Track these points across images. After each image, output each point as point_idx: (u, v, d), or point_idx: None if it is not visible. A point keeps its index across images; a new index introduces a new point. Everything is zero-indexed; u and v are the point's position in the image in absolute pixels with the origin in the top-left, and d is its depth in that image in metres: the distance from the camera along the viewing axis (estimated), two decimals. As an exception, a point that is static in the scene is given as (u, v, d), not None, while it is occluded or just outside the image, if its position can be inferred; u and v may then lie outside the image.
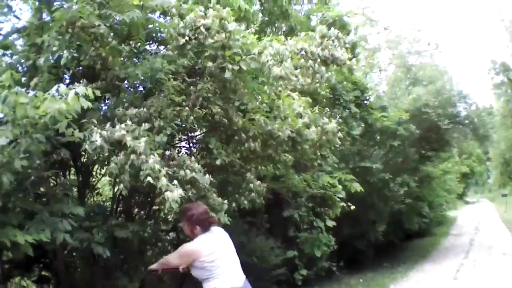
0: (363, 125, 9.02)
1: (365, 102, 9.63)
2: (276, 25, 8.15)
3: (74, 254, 4.37)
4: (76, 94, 3.20)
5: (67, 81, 4.84)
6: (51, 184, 4.43)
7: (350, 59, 5.90)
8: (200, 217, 2.91)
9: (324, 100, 8.93)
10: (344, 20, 8.76)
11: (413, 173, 11.72)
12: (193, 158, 4.11)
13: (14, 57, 4.67)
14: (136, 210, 5.21)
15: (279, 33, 7.88)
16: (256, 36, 4.75)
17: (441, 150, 13.16)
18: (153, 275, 3.05)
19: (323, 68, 4.36)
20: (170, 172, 3.53)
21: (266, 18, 7.98)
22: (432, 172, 13.62)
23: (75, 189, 4.88)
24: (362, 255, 11.43)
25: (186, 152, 5.16)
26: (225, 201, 4.07)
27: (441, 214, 18.95)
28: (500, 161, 29.80)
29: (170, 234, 6.07)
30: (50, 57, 4.20)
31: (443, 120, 10.16)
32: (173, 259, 3.02)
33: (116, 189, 5.04)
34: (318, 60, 4.38)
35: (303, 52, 4.45)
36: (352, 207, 6.84)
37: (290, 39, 4.48)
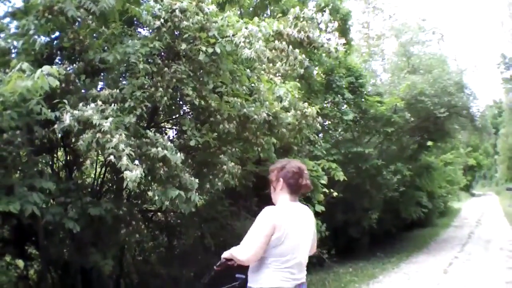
0: (356, 111, 8.92)
1: (360, 88, 9.51)
2: (269, 9, 8.08)
3: (52, 230, 4.47)
4: (42, 72, 3.28)
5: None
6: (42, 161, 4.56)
7: (345, 45, 5.87)
8: (291, 169, 2.32)
9: (317, 84, 8.90)
10: (337, 5, 8.65)
11: (410, 162, 11.59)
12: (166, 136, 4.16)
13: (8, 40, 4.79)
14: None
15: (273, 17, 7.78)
16: (246, 20, 4.72)
17: (441, 141, 12.98)
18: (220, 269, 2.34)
19: (297, 50, 4.34)
20: (132, 151, 3.54)
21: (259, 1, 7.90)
22: (432, 162, 13.46)
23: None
24: (357, 243, 11.35)
25: (164, 133, 5.21)
26: (197, 181, 4.11)
27: (443, 205, 18.79)
28: (507, 155, 29.39)
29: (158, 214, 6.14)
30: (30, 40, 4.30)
31: (439, 109, 9.98)
32: (245, 244, 2.20)
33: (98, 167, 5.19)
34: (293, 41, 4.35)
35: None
36: (335, 194, 6.76)
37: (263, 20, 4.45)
